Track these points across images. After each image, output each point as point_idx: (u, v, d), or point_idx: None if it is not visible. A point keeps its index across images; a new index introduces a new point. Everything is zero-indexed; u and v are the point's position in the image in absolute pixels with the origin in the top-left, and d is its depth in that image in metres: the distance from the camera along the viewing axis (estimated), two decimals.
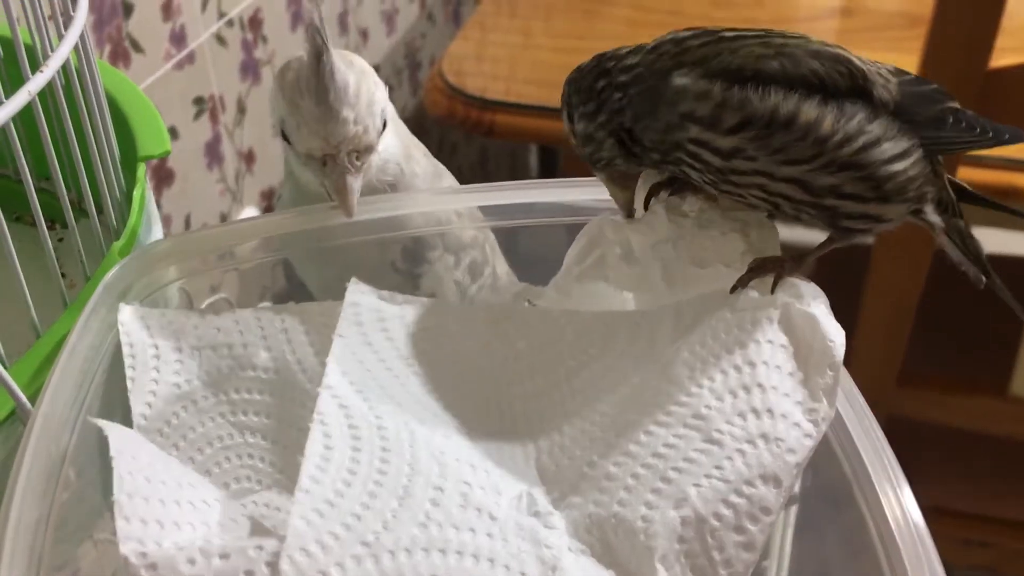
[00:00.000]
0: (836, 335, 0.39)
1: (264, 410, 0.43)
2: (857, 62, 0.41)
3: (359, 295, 0.44)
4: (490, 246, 0.54)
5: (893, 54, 0.81)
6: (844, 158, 0.39)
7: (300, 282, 0.53)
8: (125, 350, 0.41)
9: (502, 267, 0.55)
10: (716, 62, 0.40)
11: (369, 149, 0.46)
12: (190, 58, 0.85)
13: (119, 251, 0.46)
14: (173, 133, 0.84)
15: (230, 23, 0.90)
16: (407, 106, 1.28)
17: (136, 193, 0.49)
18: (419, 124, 1.31)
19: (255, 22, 0.93)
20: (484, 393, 0.42)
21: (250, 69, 0.93)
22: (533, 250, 0.54)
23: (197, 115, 0.87)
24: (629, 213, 0.45)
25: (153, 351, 0.42)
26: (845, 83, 0.40)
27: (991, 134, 0.43)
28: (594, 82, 0.41)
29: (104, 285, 0.42)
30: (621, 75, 0.41)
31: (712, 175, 0.41)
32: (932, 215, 0.44)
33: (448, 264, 0.51)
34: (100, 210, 0.48)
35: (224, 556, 0.32)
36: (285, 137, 0.47)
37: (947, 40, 0.76)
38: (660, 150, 0.41)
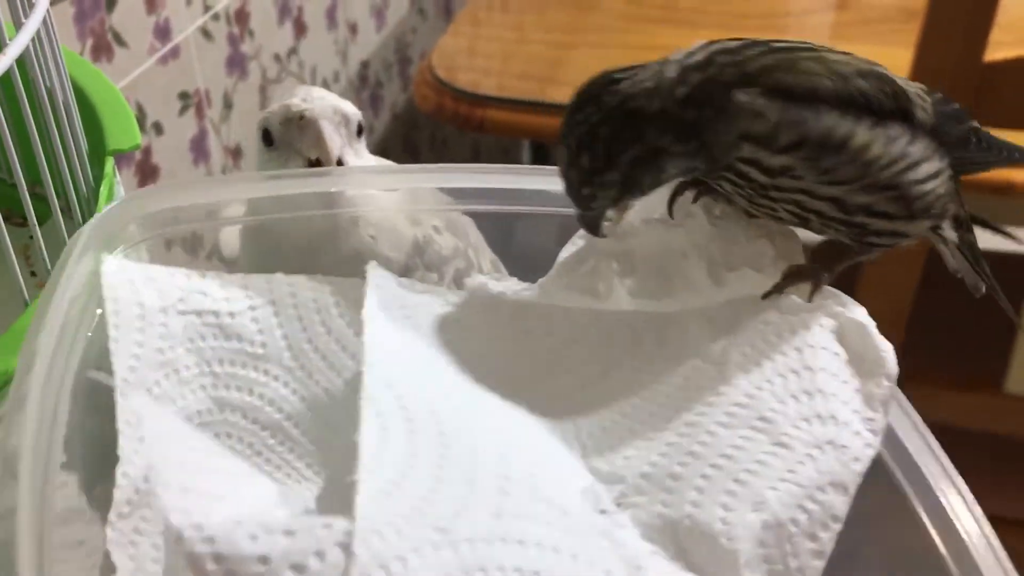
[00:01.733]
0: (886, 348, 0.38)
1: (247, 387, 0.40)
2: (900, 82, 0.40)
3: (381, 279, 0.41)
4: (473, 248, 0.51)
5: (888, 48, 0.79)
6: (885, 180, 0.39)
7: None
8: (108, 306, 0.37)
9: (486, 259, 0.53)
10: (772, 79, 0.38)
11: (349, 126, 0.46)
12: (175, 52, 0.83)
13: None
14: (158, 128, 0.82)
15: (216, 17, 0.87)
16: (397, 102, 1.26)
17: (103, 188, 0.46)
18: (410, 119, 1.29)
19: (241, 16, 0.91)
20: (518, 387, 0.39)
21: (236, 64, 0.91)
22: (525, 241, 0.52)
23: (182, 110, 0.85)
24: (601, 232, 0.41)
25: (138, 310, 0.38)
26: (889, 104, 0.39)
27: (1005, 154, 0.43)
28: (620, 131, 0.36)
29: (88, 233, 0.38)
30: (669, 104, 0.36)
31: (751, 190, 0.39)
32: (949, 231, 0.43)
33: (431, 281, 0.48)
34: (68, 206, 0.46)
35: (289, 533, 0.29)
36: (266, 136, 0.47)
37: (942, 33, 0.74)
38: (709, 168, 0.39)
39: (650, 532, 0.35)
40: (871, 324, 0.39)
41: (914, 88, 0.41)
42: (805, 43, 0.40)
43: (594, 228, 0.40)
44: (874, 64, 0.40)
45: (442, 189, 0.45)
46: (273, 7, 0.95)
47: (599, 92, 0.37)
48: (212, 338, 0.39)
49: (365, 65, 1.15)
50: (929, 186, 0.40)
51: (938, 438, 0.38)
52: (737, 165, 0.38)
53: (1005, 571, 0.34)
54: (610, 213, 0.40)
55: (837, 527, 0.35)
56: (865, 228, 0.40)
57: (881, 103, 0.39)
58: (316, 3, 1.02)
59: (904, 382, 0.38)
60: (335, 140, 0.45)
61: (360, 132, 0.47)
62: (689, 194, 0.43)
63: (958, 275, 0.46)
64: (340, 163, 0.46)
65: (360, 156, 0.48)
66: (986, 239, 0.47)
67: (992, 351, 0.88)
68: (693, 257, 0.42)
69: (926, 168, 0.40)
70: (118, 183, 0.49)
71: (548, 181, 0.44)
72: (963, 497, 0.36)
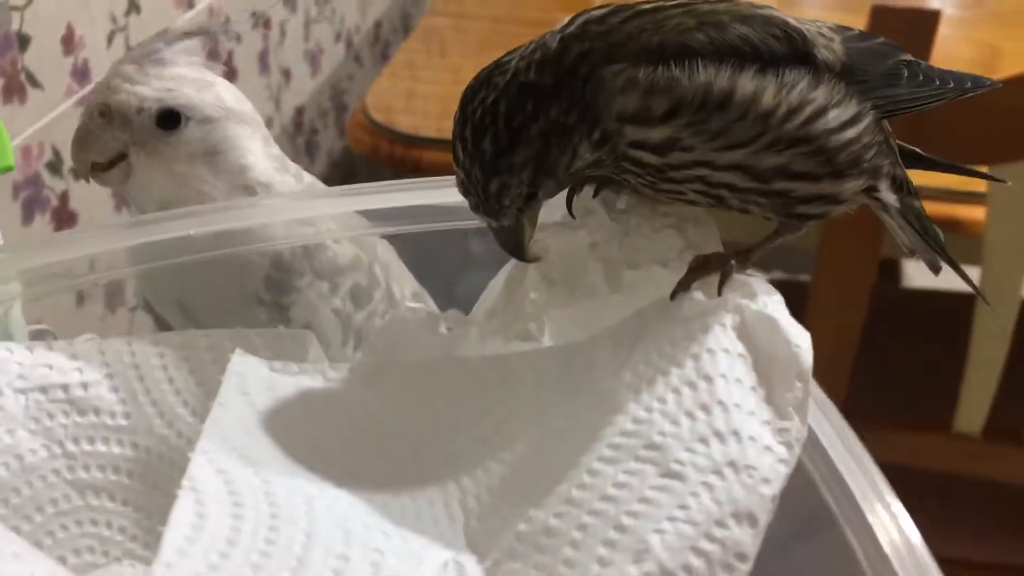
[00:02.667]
0: (800, 338, 0.33)
1: (111, 464, 0.35)
2: (793, 22, 0.35)
3: (244, 366, 0.36)
4: (381, 265, 0.46)
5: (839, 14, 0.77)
6: (790, 133, 0.34)
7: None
8: None
9: (407, 287, 0.48)
10: (632, 44, 0.33)
11: (124, 119, 0.41)
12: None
13: None
14: (76, 173, 0.79)
15: None
16: (334, 149, 1.23)
17: None
18: (347, 166, 1.26)
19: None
20: (399, 457, 0.35)
21: None
22: (439, 261, 0.48)
23: None
24: (529, 256, 0.37)
25: None
26: (783, 48, 0.34)
27: (951, 84, 0.38)
28: (519, 102, 0.33)
29: None
30: (553, 80, 0.33)
31: (651, 176, 0.35)
32: (887, 193, 0.38)
33: (322, 291, 0.43)
34: None
35: None
36: None
37: None
38: (604, 164, 0.35)
39: None
40: (782, 315, 0.34)
41: (817, 27, 0.36)
42: None
43: (517, 248, 0.36)
44: (761, 7, 0.35)
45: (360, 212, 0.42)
46: (200, 50, 0.92)
47: (487, 76, 0.34)
48: (62, 416, 0.35)
49: (299, 111, 1.12)
50: (849, 134, 0.35)
51: (887, 478, 0.34)
52: (629, 153, 0.34)
53: None
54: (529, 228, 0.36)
55: (745, 567, 0.30)
56: (788, 195, 0.35)
57: (771, 48, 0.34)
58: (247, 46, 1.00)
59: (852, 422, 0.34)
60: (79, 146, 0.40)
61: (176, 122, 0.41)
62: (589, 189, 0.38)
63: (914, 255, 0.41)
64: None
65: (150, 158, 0.42)
66: (933, 277, 0.44)
67: (940, 391, 0.87)
68: (590, 259, 0.38)
69: (837, 114, 0.35)
70: None
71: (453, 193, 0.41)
72: (890, 507, 0.32)
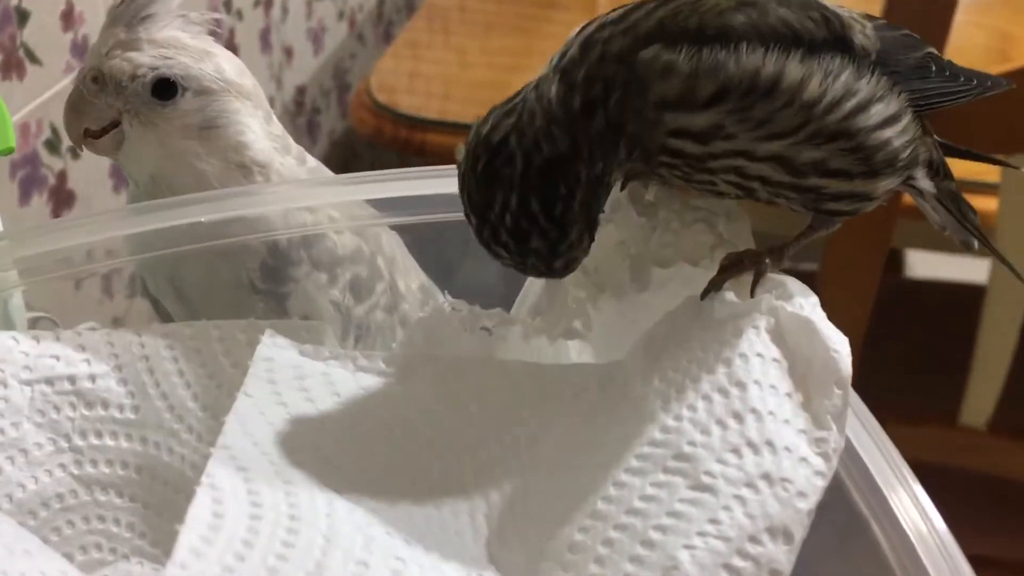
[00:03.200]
0: (839, 343, 0.31)
1: (119, 459, 0.34)
2: (829, 6, 0.34)
3: (274, 349, 0.35)
4: (385, 258, 0.44)
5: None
6: (832, 126, 0.32)
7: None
8: None
9: (413, 281, 0.46)
10: (668, 28, 0.32)
11: (118, 86, 0.39)
12: None
13: None
14: (74, 152, 0.77)
15: None
16: (336, 129, 1.22)
17: None
18: (349, 147, 1.25)
19: None
20: (425, 460, 0.34)
21: None
22: (459, 253, 0.46)
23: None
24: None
25: None
26: (821, 32, 0.33)
27: (975, 82, 0.36)
28: (550, 189, 0.30)
29: None
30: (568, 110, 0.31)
31: (687, 167, 0.33)
32: (923, 180, 0.37)
33: (319, 282, 0.41)
34: None
35: None
36: None
37: None
38: (647, 159, 0.33)
39: None
40: (819, 318, 0.32)
41: (848, 12, 0.34)
42: None
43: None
44: None
45: (369, 201, 0.40)
46: (202, 28, 0.91)
47: (493, 169, 0.31)
48: (69, 408, 0.34)
49: (301, 91, 1.11)
50: (888, 132, 0.33)
51: None
52: (669, 143, 0.32)
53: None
54: None
55: None
56: (820, 192, 0.34)
57: (811, 32, 0.32)
58: (248, 24, 0.98)
59: None
60: (71, 112, 0.39)
61: (172, 92, 0.39)
62: (616, 185, 0.36)
63: (944, 232, 0.40)
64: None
65: (142, 128, 0.40)
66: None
67: (946, 383, 0.86)
68: (617, 257, 0.36)
69: (879, 110, 0.33)
70: None
71: None
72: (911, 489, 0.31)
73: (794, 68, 0.32)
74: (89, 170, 0.79)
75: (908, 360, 0.94)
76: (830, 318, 0.33)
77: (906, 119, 0.34)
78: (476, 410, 0.35)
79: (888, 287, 0.86)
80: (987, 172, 0.53)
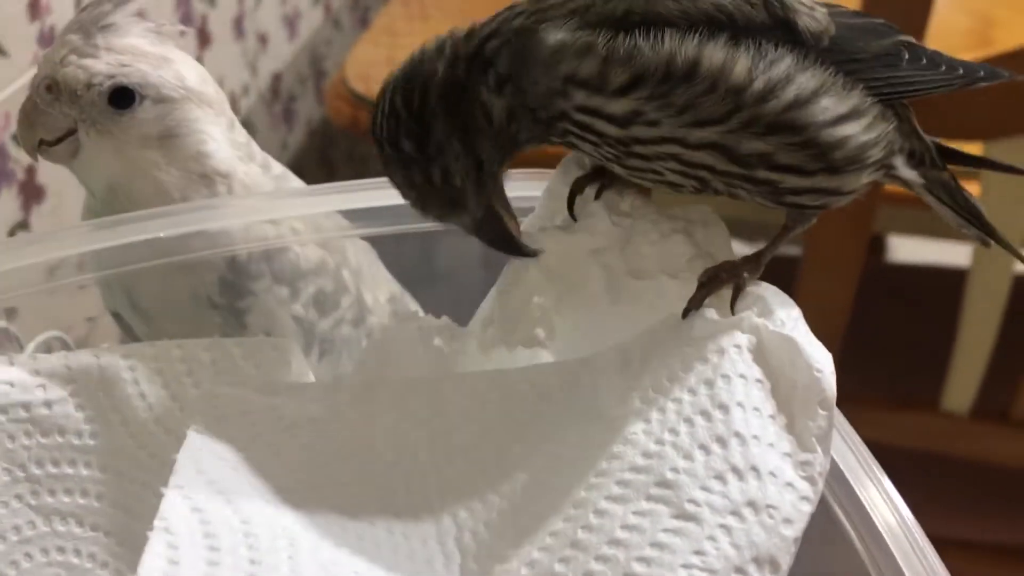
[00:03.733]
0: (823, 362, 0.30)
1: (79, 488, 0.33)
2: None
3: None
4: (350, 270, 0.43)
5: None
6: (771, 116, 0.31)
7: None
8: None
9: (382, 293, 0.45)
10: (594, 10, 0.31)
11: (72, 94, 0.38)
12: None
13: None
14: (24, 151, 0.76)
15: None
16: (313, 118, 1.20)
17: None
18: (326, 135, 1.24)
19: None
20: (391, 486, 0.33)
21: None
22: (443, 263, 0.45)
23: None
24: (524, 248, 0.35)
25: None
26: (760, 16, 0.31)
27: (960, 71, 0.34)
28: (409, 88, 0.32)
29: None
30: (475, 57, 0.31)
31: (611, 148, 0.32)
32: (905, 170, 0.35)
33: (280, 296, 0.40)
34: None
35: None
36: None
37: None
38: (539, 124, 0.32)
39: None
40: (802, 335, 0.31)
41: None
42: None
43: (505, 239, 0.34)
44: None
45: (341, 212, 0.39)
46: (174, 15, 0.89)
47: (383, 86, 0.33)
48: (24, 437, 0.33)
49: (277, 78, 1.09)
50: (847, 129, 0.32)
51: (876, 458, 0.33)
52: (575, 116, 0.32)
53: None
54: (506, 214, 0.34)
55: None
56: (776, 186, 0.32)
57: (747, 16, 0.31)
58: (221, 11, 0.96)
59: (839, 400, 0.33)
60: (25, 125, 0.38)
61: (130, 101, 0.38)
62: (591, 191, 0.36)
63: (960, 230, 0.38)
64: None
65: (98, 138, 0.39)
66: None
67: (928, 368, 0.86)
68: (592, 266, 0.35)
69: (830, 104, 0.31)
70: None
71: None
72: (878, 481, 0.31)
73: (715, 51, 0.31)
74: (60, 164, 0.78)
75: (889, 345, 0.94)
76: (813, 304, 0.33)
77: (870, 115, 0.33)
78: (439, 426, 0.34)
79: (869, 271, 0.85)
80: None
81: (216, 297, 0.40)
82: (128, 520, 0.33)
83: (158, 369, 0.35)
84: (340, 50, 1.23)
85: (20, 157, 0.72)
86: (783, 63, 0.31)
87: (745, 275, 0.33)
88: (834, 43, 0.32)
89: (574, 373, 0.34)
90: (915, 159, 0.35)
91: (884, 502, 0.31)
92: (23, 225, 0.74)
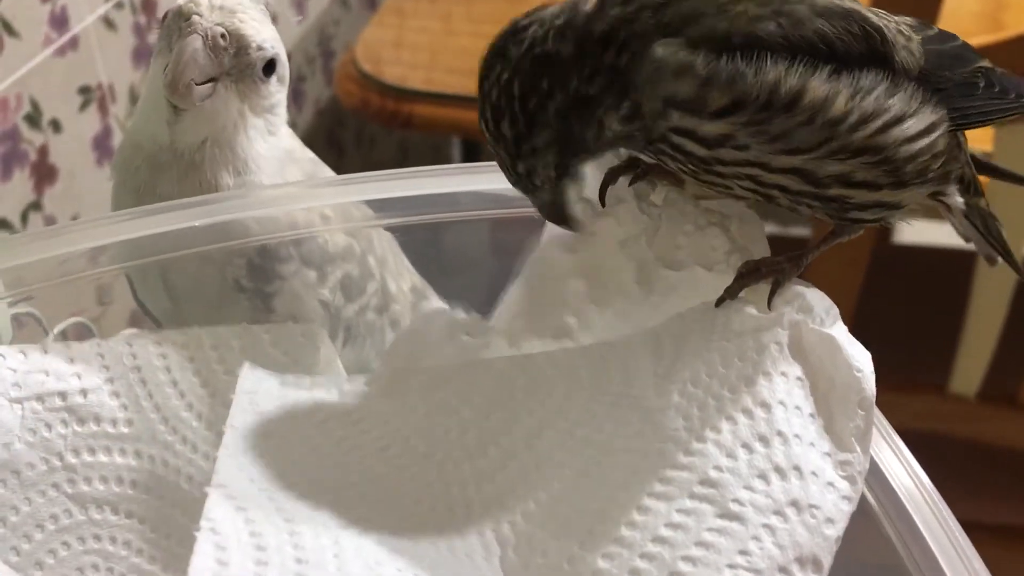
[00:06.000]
0: (863, 361, 0.31)
1: (114, 475, 0.33)
2: (873, 18, 0.32)
3: (255, 381, 0.34)
4: (376, 258, 0.43)
5: None
6: (858, 143, 0.31)
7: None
8: None
9: (405, 282, 0.45)
10: (696, 27, 0.30)
11: (243, 55, 0.39)
12: (73, 43, 0.76)
13: None
14: (55, 126, 0.76)
15: (120, 5, 0.81)
16: (321, 97, 1.20)
17: None
18: (334, 116, 1.23)
19: (149, 5, 0.85)
20: (426, 479, 0.32)
21: (144, 56, 0.85)
22: (454, 252, 0.46)
23: (83, 106, 0.79)
24: (578, 225, 0.34)
25: None
26: (860, 47, 0.31)
27: None
28: (533, 79, 0.30)
29: None
30: (588, 49, 0.30)
31: (693, 166, 0.32)
32: (954, 197, 0.35)
33: (308, 280, 0.40)
34: None
35: None
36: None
37: None
38: (636, 139, 0.32)
39: None
40: (841, 333, 0.31)
41: (896, 23, 0.33)
42: None
43: (560, 216, 0.33)
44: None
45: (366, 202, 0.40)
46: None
47: (503, 46, 0.31)
48: (61, 426, 0.33)
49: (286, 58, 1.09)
50: (920, 144, 0.32)
51: None
52: (670, 137, 0.31)
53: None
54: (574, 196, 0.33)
55: None
56: (845, 201, 0.32)
57: (848, 47, 0.31)
58: None
59: None
60: (194, 60, 0.37)
61: (272, 72, 0.40)
62: (624, 180, 0.35)
63: (968, 242, 0.39)
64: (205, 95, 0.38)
65: (244, 106, 0.40)
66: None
67: (935, 351, 0.86)
68: (621, 256, 0.35)
69: (913, 124, 0.32)
70: None
71: (472, 180, 0.39)
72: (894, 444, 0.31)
73: (819, 85, 0.30)
74: (71, 143, 0.78)
75: (897, 328, 0.94)
76: (822, 285, 0.33)
77: (939, 131, 0.33)
78: (469, 414, 0.33)
79: (877, 253, 0.85)
80: (979, 140, 0.52)
81: (244, 280, 0.40)
82: (162, 507, 0.33)
83: (189, 356, 0.35)
84: (348, 29, 1.23)
85: (32, 138, 0.73)
86: (876, 94, 0.31)
87: (786, 269, 0.33)
88: (923, 73, 0.32)
89: (602, 356, 0.34)
90: (963, 186, 0.36)
91: (903, 467, 0.32)
92: (36, 206, 0.74)
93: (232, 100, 0.40)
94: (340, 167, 0.57)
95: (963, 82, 0.33)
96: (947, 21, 0.72)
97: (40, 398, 0.33)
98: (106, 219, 0.38)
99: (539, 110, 0.30)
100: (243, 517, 0.28)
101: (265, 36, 0.39)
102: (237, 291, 0.40)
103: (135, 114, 0.43)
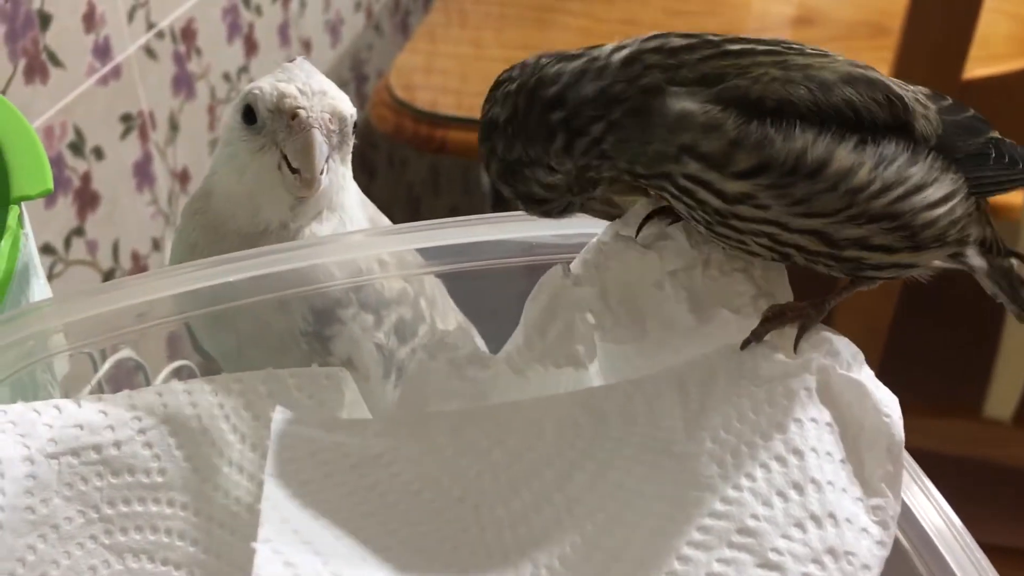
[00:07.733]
0: (891, 406, 0.30)
1: (148, 524, 0.33)
2: (896, 88, 0.32)
3: (286, 424, 0.34)
4: (427, 300, 0.44)
5: None
6: (877, 210, 0.32)
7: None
8: None
9: (451, 322, 0.46)
10: (728, 86, 0.30)
11: (344, 128, 0.41)
12: (116, 72, 0.78)
13: None
14: (98, 153, 0.77)
15: (160, 35, 0.83)
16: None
17: (5, 244, 0.38)
18: (367, 139, 1.25)
19: (188, 33, 0.86)
20: (462, 523, 0.32)
21: (183, 83, 0.86)
22: (487, 298, 0.47)
23: (125, 133, 0.80)
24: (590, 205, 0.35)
25: None
26: (884, 115, 0.32)
27: None
28: (545, 114, 0.32)
29: None
30: (587, 102, 0.31)
31: (705, 214, 0.32)
32: (975, 258, 0.36)
33: (366, 324, 0.42)
34: None
35: None
36: (248, 113, 0.41)
37: (918, 50, 0.71)
38: (641, 176, 0.32)
39: None
40: (868, 378, 0.31)
41: (914, 93, 0.33)
42: (770, 42, 0.32)
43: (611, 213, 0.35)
44: (862, 66, 0.33)
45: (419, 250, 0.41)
46: (222, 24, 0.91)
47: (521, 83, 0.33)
48: (96, 478, 0.33)
49: None
50: (939, 211, 0.33)
51: (918, 464, 0.33)
52: (679, 180, 0.31)
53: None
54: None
55: None
56: (860, 263, 0.33)
57: (873, 115, 0.31)
58: (267, 19, 0.98)
59: None
60: (321, 154, 0.39)
61: (354, 129, 0.42)
62: (662, 221, 0.36)
63: (996, 300, 0.39)
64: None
65: (341, 165, 0.42)
66: None
67: (970, 375, 0.86)
68: (669, 288, 0.35)
69: (932, 192, 0.32)
70: (26, 236, 0.42)
71: (504, 229, 0.40)
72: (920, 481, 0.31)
73: (845, 155, 0.31)
74: (112, 171, 0.80)
75: (932, 352, 0.94)
76: (855, 310, 0.33)
77: (957, 198, 0.33)
78: (499, 456, 0.34)
79: (912, 280, 0.85)
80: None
81: (305, 325, 0.41)
82: (195, 552, 0.34)
83: (219, 403, 0.35)
84: (381, 55, 1.24)
85: (76, 165, 0.74)
86: (898, 163, 0.32)
87: (811, 315, 0.33)
88: (940, 141, 0.33)
89: (627, 395, 0.34)
90: (984, 247, 0.36)
91: (932, 506, 0.31)
92: (79, 231, 0.76)
93: (337, 167, 0.41)
94: (371, 189, 0.58)
95: (976, 152, 0.34)
96: (976, 45, 0.72)
97: (75, 452, 0.33)
98: (191, 267, 0.39)
99: (528, 144, 0.33)
100: (291, 573, 0.28)
101: (349, 105, 0.42)
102: (298, 335, 0.41)
103: (210, 194, 0.44)
